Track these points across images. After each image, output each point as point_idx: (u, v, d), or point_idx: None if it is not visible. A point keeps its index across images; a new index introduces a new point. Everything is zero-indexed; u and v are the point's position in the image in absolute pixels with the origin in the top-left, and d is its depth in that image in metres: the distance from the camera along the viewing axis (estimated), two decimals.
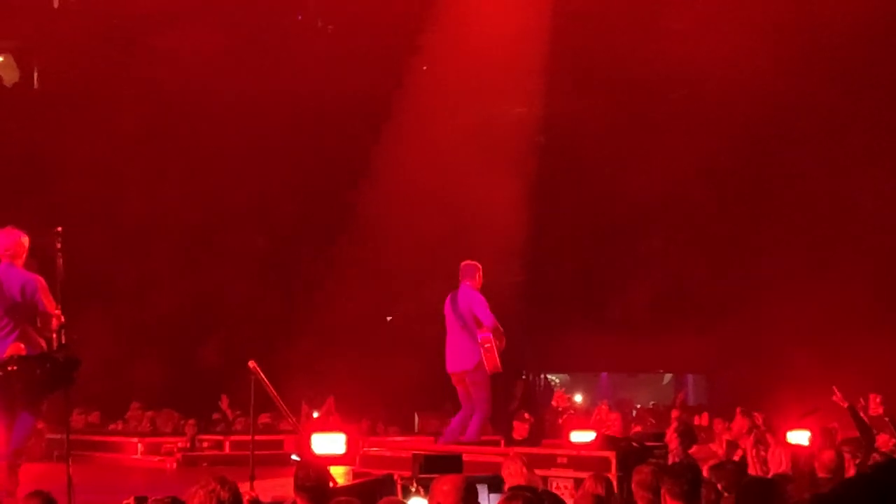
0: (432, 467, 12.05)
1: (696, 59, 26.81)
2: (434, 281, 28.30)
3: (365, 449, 16.72)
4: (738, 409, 15.27)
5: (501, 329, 15.58)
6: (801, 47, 27.52)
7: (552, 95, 29.56)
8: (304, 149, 29.25)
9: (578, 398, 32.67)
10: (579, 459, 13.65)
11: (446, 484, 7.84)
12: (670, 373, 34.46)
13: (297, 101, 29.00)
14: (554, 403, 24.00)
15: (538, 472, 14.06)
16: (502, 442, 17.49)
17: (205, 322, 28.65)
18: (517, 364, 30.79)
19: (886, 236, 27.56)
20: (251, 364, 12.15)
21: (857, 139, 28.92)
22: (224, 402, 23.46)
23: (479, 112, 29.93)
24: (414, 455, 12.49)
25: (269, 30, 30.34)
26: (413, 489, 11.79)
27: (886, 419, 17.58)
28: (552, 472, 13.84)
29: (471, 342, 15.48)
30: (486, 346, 15.32)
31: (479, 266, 15.92)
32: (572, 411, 24.32)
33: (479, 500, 8.06)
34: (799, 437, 16.55)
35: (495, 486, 11.30)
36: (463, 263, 16.02)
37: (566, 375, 35.45)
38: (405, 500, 11.76)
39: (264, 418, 21.03)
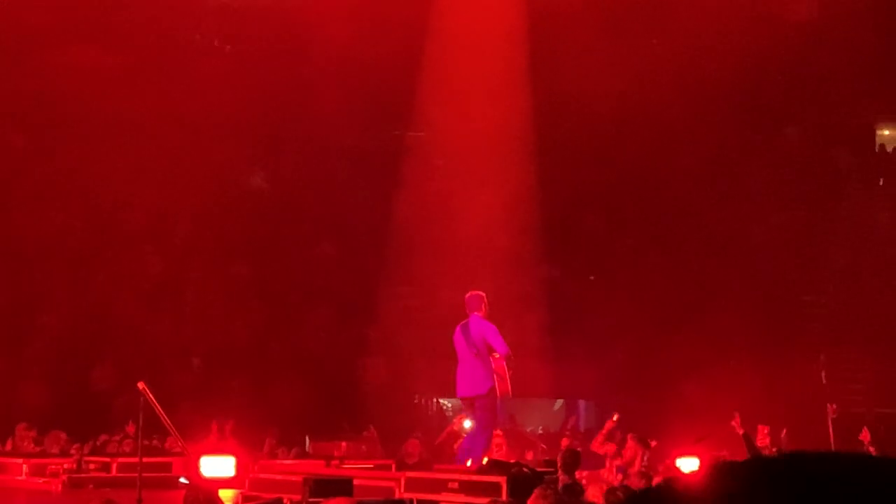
0: (322, 491, 12.01)
1: (589, 89, 27.10)
2: (323, 303, 28.33)
3: (255, 472, 16.61)
4: (629, 436, 15.39)
5: (513, 356, 16.02)
6: (693, 81, 27.94)
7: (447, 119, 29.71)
8: (199, 169, 28.99)
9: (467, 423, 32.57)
10: (470, 484, 13.65)
11: None
12: (561, 399, 34.55)
13: (192, 121, 28.75)
14: (455, 427, 24.05)
15: (429, 496, 14.08)
16: (394, 466, 17.47)
17: (95, 343, 28.24)
18: (410, 387, 30.81)
19: (772, 267, 28.03)
20: (140, 385, 12.03)
21: (745, 172, 29.42)
22: (131, 429, 23.10)
23: (371, 134, 29.99)
24: (304, 479, 12.44)
25: (165, 49, 30.08)
26: None
27: (774, 449, 17.81)
28: (443, 496, 13.84)
29: (484, 369, 15.93)
30: (499, 373, 15.82)
31: (484, 295, 16.49)
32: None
33: None
34: (688, 463, 16.72)
35: None
36: (468, 295, 16.58)
37: (458, 400, 35.37)
38: None
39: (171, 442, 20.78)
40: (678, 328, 27.36)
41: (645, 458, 14.57)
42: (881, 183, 32.87)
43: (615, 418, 18.19)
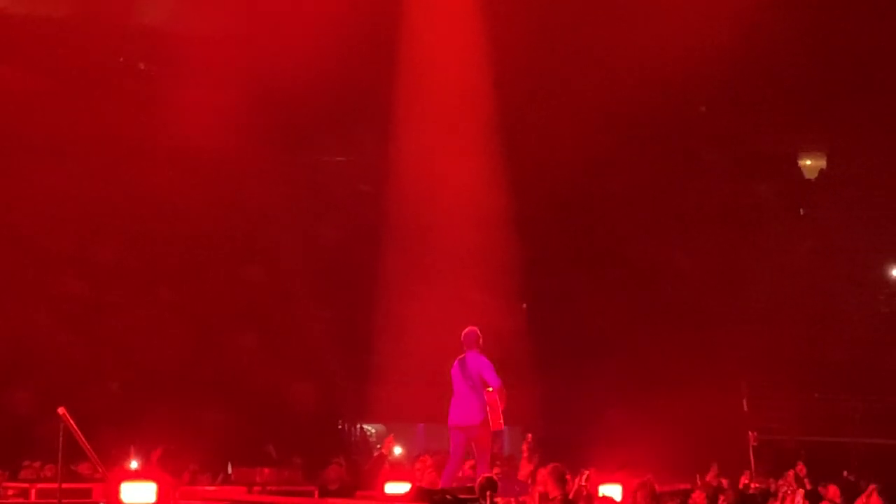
0: None
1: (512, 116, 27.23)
2: (248, 326, 28.18)
3: (176, 499, 16.44)
4: (540, 470, 15.46)
5: (505, 391, 16.90)
6: (620, 110, 28.17)
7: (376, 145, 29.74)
8: (122, 192, 28.78)
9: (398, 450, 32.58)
10: None
11: None
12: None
13: (115, 143, 28.51)
14: (384, 451, 24.05)
15: None
16: (316, 492, 17.42)
17: (15, 367, 27.88)
18: (334, 413, 30.72)
19: (696, 296, 28.26)
20: (61, 410, 11.90)
21: (669, 201, 29.66)
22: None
23: (296, 159, 29.95)
24: None
25: (88, 71, 29.83)
26: None
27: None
28: None
29: (478, 402, 16.79)
30: (492, 405, 16.71)
31: (478, 331, 17.19)
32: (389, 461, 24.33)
33: None
34: (611, 490, 16.77)
35: None
36: (465, 331, 17.23)
37: (382, 426, 35.33)
38: None
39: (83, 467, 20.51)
40: (605, 356, 27.54)
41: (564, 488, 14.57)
42: (802, 213, 33.28)
43: (528, 439, 18.60)
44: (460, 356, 17.21)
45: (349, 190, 31.16)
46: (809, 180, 34.02)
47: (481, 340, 17.19)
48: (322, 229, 28.92)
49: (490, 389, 16.75)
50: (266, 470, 19.99)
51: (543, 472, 16.06)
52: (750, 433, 21.14)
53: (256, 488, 18.32)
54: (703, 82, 29.49)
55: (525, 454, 19.17)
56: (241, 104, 28.59)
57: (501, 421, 16.86)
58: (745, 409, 21.30)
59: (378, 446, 30.07)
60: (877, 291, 34.39)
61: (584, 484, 17.69)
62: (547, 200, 28.90)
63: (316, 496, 16.90)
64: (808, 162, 34.95)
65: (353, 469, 22.02)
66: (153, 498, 16.49)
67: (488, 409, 16.74)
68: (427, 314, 29.65)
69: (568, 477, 17.08)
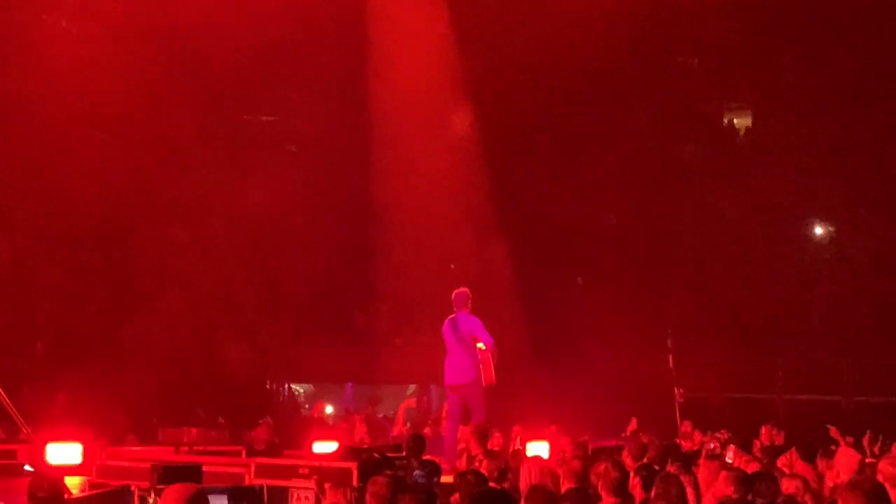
0: (171, 478, 11.85)
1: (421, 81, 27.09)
2: (175, 288, 28.00)
3: (102, 459, 16.36)
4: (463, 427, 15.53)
5: (496, 349, 17.60)
6: (545, 68, 28.17)
7: (305, 105, 29.56)
8: (45, 153, 28.39)
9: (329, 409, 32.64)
10: (321, 470, 13.62)
11: (171, 493, 7.70)
12: (414, 384, 34.66)
13: (38, 104, 28.10)
14: (314, 413, 24.08)
15: (279, 482, 14.02)
16: (244, 452, 17.40)
17: None
18: (261, 373, 30.63)
19: (620, 254, 28.38)
20: None
21: (593, 160, 29.68)
22: None
23: (227, 119, 29.69)
24: (153, 465, 12.28)
25: (9, 30, 29.34)
26: (151, 500, 11.59)
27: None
28: (293, 482, 13.79)
29: (470, 360, 17.46)
30: (485, 362, 17.42)
31: (468, 292, 17.82)
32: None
33: None
34: (538, 448, 16.86)
35: (235, 496, 11.19)
36: (456, 292, 17.83)
37: (310, 385, 35.35)
38: None
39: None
40: (531, 313, 27.64)
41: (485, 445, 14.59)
42: (728, 171, 33.43)
43: None
44: (451, 316, 17.79)
45: (275, 150, 30.97)
46: (736, 140, 34.18)
47: (471, 300, 17.69)
48: (248, 189, 28.71)
49: (482, 347, 17.42)
50: (193, 430, 19.98)
51: (466, 431, 16.15)
52: (676, 390, 21.34)
53: (184, 448, 18.25)
54: (630, 43, 29.57)
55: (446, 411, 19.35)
56: (164, 62, 28.33)
57: (493, 377, 17.47)
58: (671, 366, 21.45)
59: (306, 406, 30.18)
60: (801, 250, 34.73)
61: (518, 447, 17.93)
62: (473, 163, 28.88)
63: (243, 456, 16.87)
64: (735, 121, 35.16)
65: (281, 429, 22.03)
66: (79, 459, 16.46)
67: (481, 366, 17.40)
68: (353, 274, 29.66)
69: (497, 435, 17.18)
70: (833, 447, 16.97)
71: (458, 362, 17.64)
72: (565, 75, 28.85)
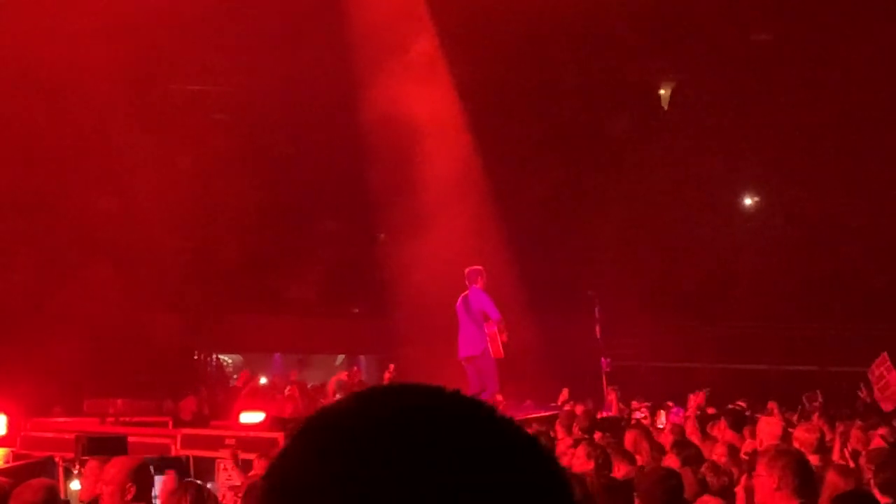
0: (95, 449, 11.80)
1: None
2: (103, 258, 27.76)
3: (27, 430, 16.25)
4: None
5: (504, 323, 18.76)
6: (474, 40, 28.11)
7: (233, 73, 29.32)
8: None
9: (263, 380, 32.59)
10: (247, 440, 13.61)
11: (115, 465, 7.66)
12: (342, 353, 34.64)
13: None
14: (239, 384, 24.00)
15: (205, 453, 13.98)
16: (171, 423, 17.34)
17: None
18: (189, 344, 30.46)
19: (550, 225, 28.37)
20: None
21: (522, 132, 29.64)
22: None
23: (154, 88, 29.40)
24: (77, 436, 12.22)
25: None
26: (76, 471, 11.52)
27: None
28: (220, 452, 13.78)
29: (479, 333, 18.67)
30: (492, 336, 18.57)
31: (483, 269, 19.20)
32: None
33: None
34: None
35: (161, 467, 11.14)
36: (469, 269, 19.19)
37: (239, 356, 35.24)
38: (67, 482, 11.46)
39: None
40: (455, 286, 27.66)
41: None
42: (656, 141, 33.56)
43: (391, 368, 19.45)
44: (464, 293, 19.14)
45: (204, 118, 30.74)
46: (664, 109, 34.29)
47: (484, 277, 19.07)
48: (176, 158, 28.50)
49: (490, 321, 18.62)
50: (119, 401, 19.82)
51: None
52: (603, 359, 21.47)
53: (110, 419, 18.17)
54: (559, 14, 29.55)
55: (387, 381, 19.47)
56: (91, 30, 28.01)
57: (501, 350, 18.56)
58: (598, 335, 21.58)
59: (235, 376, 30.07)
60: (730, 220, 35.01)
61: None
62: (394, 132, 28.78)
63: (170, 426, 16.81)
64: (663, 91, 35.28)
65: (209, 399, 21.98)
66: (3, 430, 16.31)
67: (489, 340, 18.61)
68: (282, 244, 29.56)
69: None
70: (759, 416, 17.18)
71: (468, 335, 18.85)
72: (494, 44, 28.78)
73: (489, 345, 18.60)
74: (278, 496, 1.47)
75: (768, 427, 12.87)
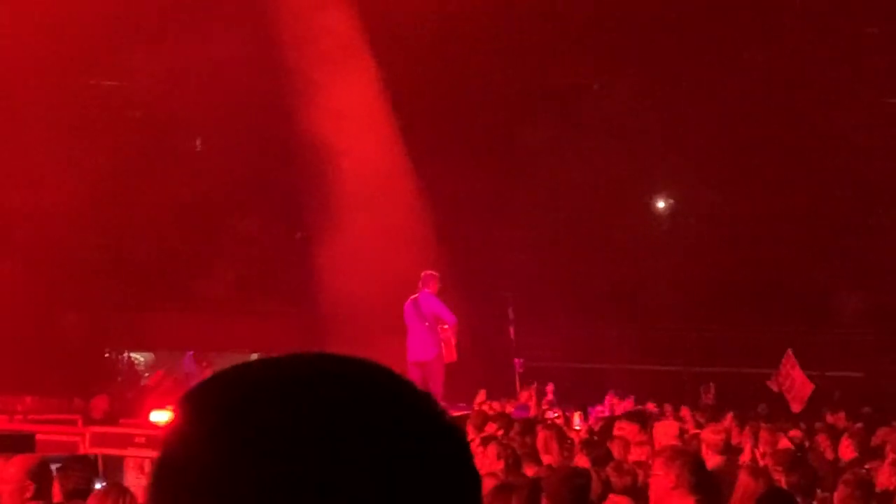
0: (2, 447, 11.65)
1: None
2: (9, 254, 27.40)
3: None
4: None
5: (457, 328, 19.15)
6: (394, 45, 28.09)
7: (148, 70, 29.06)
8: None
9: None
10: (157, 439, 13.46)
11: (14, 465, 7.58)
12: (256, 352, 34.45)
13: None
14: (151, 383, 23.83)
15: (114, 451, 13.84)
16: (80, 421, 17.16)
17: None
18: (100, 341, 30.17)
19: (463, 225, 28.42)
20: None
21: (440, 132, 29.64)
22: None
23: (68, 84, 29.09)
24: None
25: None
26: None
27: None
28: (129, 451, 13.67)
29: (432, 338, 18.89)
30: (447, 341, 18.90)
31: (437, 275, 19.44)
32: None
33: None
34: None
35: (69, 465, 11.01)
36: (424, 273, 19.38)
37: (151, 354, 34.92)
38: None
39: None
40: (372, 283, 27.64)
41: None
42: (573, 143, 33.66)
43: None
44: (413, 296, 19.31)
45: (118, 115, 30.46)
46: (580, 110, 34.28)
47: (436, 282, 19.30)
48: (90, 155, 28.19)
49: (445, 326, 18.93)
50: (28, 398, 19.63)
51: None
52: (516, 360, 21.55)
53: (18, 417, 17.93)
54: (476, 17, 29.60)
55: None
56: (4, 26, 27.67)
57: (455, 354, 19.00)
58: (512, 336, 21.66)
59: (146, 374, 29.80)
60: (643, 222, 35.26)
61: None
62: (306, 127, 28.68)
63: (80, 425, 16.62)
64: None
65: (119, 397, 21.77)
66: None
67: (443, 344, 18.87)
68: (196, 241, 29.37)
69: None
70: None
71: (420, 339, 18.97)
72: (413, 44, 28.78)
73: (443, 349, 18.91)
74: (171, 476, 1.43)
75: (664, 428, 13.07)
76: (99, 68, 29.94)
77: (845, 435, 13.93)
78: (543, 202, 32.36)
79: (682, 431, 13.16)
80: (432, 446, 1.45)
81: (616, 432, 13.80)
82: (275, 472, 1.36)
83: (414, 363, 18.97)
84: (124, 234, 29.29)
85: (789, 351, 21.79)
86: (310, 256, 29.52)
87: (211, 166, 29.71)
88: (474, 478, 1.49)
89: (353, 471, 1.37)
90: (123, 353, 32.70)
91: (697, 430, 13.73)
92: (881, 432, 16.75)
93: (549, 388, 22.80)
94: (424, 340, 18.97)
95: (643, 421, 14.42)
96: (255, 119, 29.29)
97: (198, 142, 31.53)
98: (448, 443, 1.48)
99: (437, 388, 18.51)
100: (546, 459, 11.88)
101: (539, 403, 20.89)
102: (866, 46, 32.22)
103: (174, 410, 1.51)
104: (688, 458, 7.40)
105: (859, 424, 20.66)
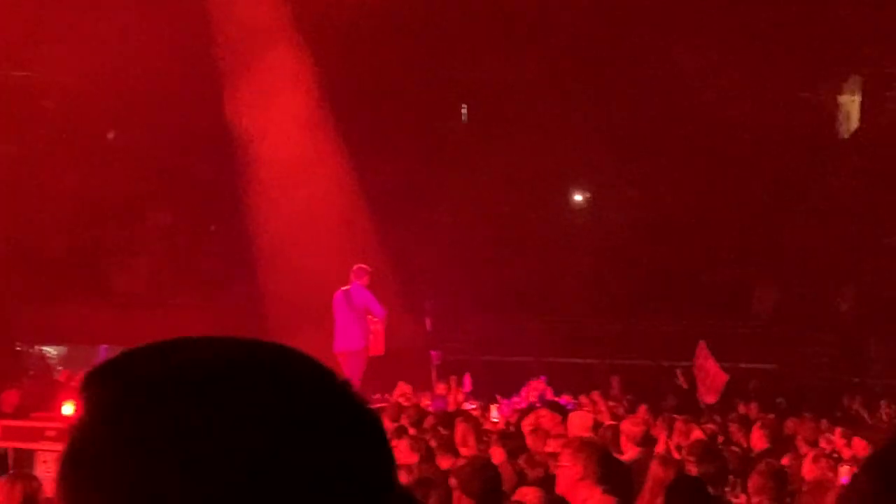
0: None
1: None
2: None
3: None
4: None
5: (387, 318, 19.78)
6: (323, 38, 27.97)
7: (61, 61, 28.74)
8: None
9: None
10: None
11: None
12: None
13: None
14: (62, 378, 23.61)
15: (25, 444, 13.68)
16: None
17: None
18: (11, 334, 29.80)
19: (380, 221, 28.39)
20: None
21: (353, 120, 29.62)
22: None
23: None
24: None
25: None
26: None
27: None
28: (41, 444, 13.55)
29: (360, 330, 19.42)
30: (376, 333, 19.54)
31: (369, 269, 20.00)
32: None
33: None
34: None
35: None
36: (356, 266, 19.86)
37: (63, 348, 34.53)
38: None
39: None
40: (289, 275, 27.55)
41: None
42: (491, 137, 33.70)
43: None
44: (344, 288, 19.74)
45: (30, 105, 30.08)
46: (499, 104, 34.32)
47: (369, 276, 19.80)
48: (1, 145, 27.84)
49: (375, 318, 19.54)
50: None
51: None
52: (432, 353, 21.55)
53: None
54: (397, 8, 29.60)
55: None
56: None
57: (383, 346, 19.70)
58: (429, 328, 21.66)
59: (59, 369, 29.44)
60: (561, 216, 35.42)
61: None
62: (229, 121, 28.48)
63: None
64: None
65: (31, 391, 21.49)
66: None
67: (372, 336, 19.53)
68: (109, 234, 29.09)
69: None
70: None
71: (348, 331, 19.46)
72: (334, 36, 28.67)
73: (371, 341, 19.49)
74: (74, 463, 1.40)
75: (579, 419, 13.13)
76: (9, 59, 29.51)
77: (757, 425, 14.04)
78: (461, 194, 32.39)
79: (598, 424, 13.20)
80: (342, 421, 1.42)
81: (536, 422, 13.82)
82: (163, 459, 1.33)
83: (340, 353, 19.36)
84: (35, 225, 28.92)
85: (702, 343, 22.00)
86: (224, 248, 29.37)
87: (124, 157, 29.45)
88: (388, 455, 1.47)
89: (250, 456, 1.34)
90: (34, 346, 32.32)
91: (614, 422, 13.78)
92: (792, 423, 16.96)
93: (467, 379, 22.84)
94: (352, 331, 19.39)
95: (563, 412, 14.47)
96: (169, 110, 29.04)
97: (111, 133, 31.17)
98: (359, 420, 1.45)
99: (355, 378, 18.35)
100: (463, 452, 11.87)
101: (456, 396, 20.88)
102: (778, 41, 32.58)
103: (76, 401, 1.47)
104: (595, 449, 7.45)
105: (772, 415, 20.91)
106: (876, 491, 2.10)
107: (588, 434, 11.25)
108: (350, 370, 18.87)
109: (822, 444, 14.73)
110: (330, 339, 24.86)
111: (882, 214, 31.63)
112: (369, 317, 19.63)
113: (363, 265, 19.97)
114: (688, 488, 8.11)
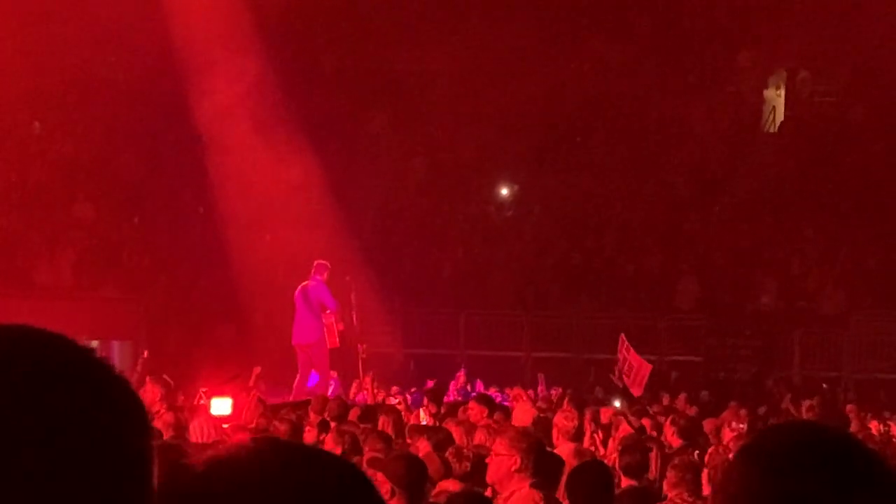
0: None
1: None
2: None
3: None
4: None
5: (339, 314, 20.39)
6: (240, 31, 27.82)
7: None
8: None
9: None
10: None
11: None
12: (96, 339, 33.87)
13: None
14: None
15: None
16: None
17: None
18: None
19: (309, 209, 28.32)
20: None
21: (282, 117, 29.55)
22: None
23: None
24: None
25: None
26: None
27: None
28: None
29: (316, 323, 20.08)
30: (328, 327, 20.11)
31: (328, 264, 20.61)
32: None
33: None
34: (221, 405, 16.69)
35: None
36: (317, 263, 20.52)
37: None
38: None
39: None
40: (216, 270, 27.47)
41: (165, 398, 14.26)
42: (415, 129, 33.68)
43: (145, 355, 19.01)
44: (304, 283, 20.31)
45: None
46: (424, 100, 34.36)
47: (328, 272, 20.45)
48: None
49: (328, 312, 20.11)
50: None
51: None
52: (359, 345, 21.51)
53: None
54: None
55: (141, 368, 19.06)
56: None
57: (337, 340, 20.24)
58: (355, 321, 21.62)
59: None
60: (485, 208, 35.46)
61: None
62: (158, 114, 28.26)
63: None
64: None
65: None
66: None
67: (326, 330, 20.07)
68: (32, 225, 28.79)
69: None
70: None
71: (305, 324, 20.17)
72: (259, 27, 28.56)
73: (326, 334, 20.05)
74: None
75: (522, 413, 13.16)
76: None
77: (668, 421, 14.08)
78: (387, 187, 32.40)
79: (538, 418, 13.28)
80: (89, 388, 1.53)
81: (465, 415, 13.85)
82: None
83: (297, 346, 20.27)
84: None
85: (622, 336, 22.14)
86: (148, 241, 29.16)
87: (49, 150, 29.14)
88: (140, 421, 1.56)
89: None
90: None
91: (546, 415, 13.87)
92: (711, 421, 17.03)
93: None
94: (309, 325, 20.10)
95: (491, 405, 14.50)
96: (96, 102, 28.80)
97: (36, 124, 30.83)
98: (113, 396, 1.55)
99: (324, 371, 20.37)
100: (386, 445, 11.86)
101: (378, 389, 20.84)
102: (707, 37, 32.86)
103: None
104: (532, 441, 7.50)
105: (694, 409, 21.14)
106: (752, 476, 2.26)
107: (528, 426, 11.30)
108: (313, 362, 20.17)
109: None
110: (246, 329, 25.36)
111: (804, 207, 31.97)
112: (323, 311, 20.26)
113: (323, 261, 20.61)
114: (592, 474, 8.24)
